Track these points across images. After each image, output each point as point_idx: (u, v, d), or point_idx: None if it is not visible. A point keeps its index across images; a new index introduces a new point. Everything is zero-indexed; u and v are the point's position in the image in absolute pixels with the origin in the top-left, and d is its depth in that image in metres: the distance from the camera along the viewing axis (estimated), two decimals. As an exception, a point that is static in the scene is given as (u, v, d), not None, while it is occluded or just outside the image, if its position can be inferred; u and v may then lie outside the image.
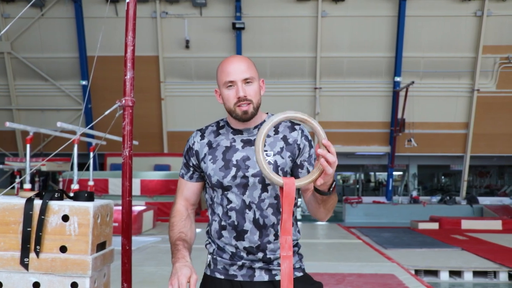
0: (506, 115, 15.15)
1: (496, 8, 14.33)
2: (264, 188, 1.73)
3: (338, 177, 26.11)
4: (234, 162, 1.75)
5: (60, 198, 1.75)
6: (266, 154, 1.74)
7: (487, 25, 14.42)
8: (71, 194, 1.80)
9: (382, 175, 23.96)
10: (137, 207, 9.89)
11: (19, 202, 1.71)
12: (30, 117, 15.47)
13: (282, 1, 14.34)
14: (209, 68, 14.15)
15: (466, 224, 11.82)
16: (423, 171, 20.60)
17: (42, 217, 1.68)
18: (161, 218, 11.54)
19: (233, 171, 1.74)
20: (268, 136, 1.78)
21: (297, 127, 1.81)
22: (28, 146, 7.46)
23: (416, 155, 16.28)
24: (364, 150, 16.02)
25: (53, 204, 1.70)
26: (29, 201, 1.70)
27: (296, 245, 1.83)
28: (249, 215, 1.73)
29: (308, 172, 1.76)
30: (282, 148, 1.76)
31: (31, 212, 1.68)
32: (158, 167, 14.84)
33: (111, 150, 13.73)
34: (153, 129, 15.39)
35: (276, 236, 1.75)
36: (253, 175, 1.72)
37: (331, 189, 1.59)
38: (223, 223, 1.77)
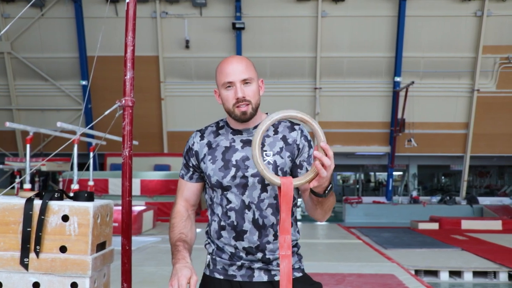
0: (506, 115, 15.15)
1: (496, 8, 14.33)
2: (264, 188, 1.73)
3: (338, 177, 26.11)
4: (234, 162, 1.75)
5: (60, 198, 1.75)
6: (266, 154, 1.74)
7: (487, 25, 14.42)
8: (71, 194, 1.80)
9: (382, 175, 23.96)
10: (137, 207, 9.90)
11: (19, 202, 1.71)
12: (30, 117, 15.47)
13: (282, 1, 14.34)
14: (209, 68, 14.15)
15: (466, 224, 11.82)
16: (423, 171, 20.60)
17: (42, 217, 1.68)
18: (161, 218, 11.54)
19: (232, 171, 1.74)
20: (268, 136, 1.78)
21: (296, 127, 1.81)
22: (28, 146, 7.46)
23: (416, 155, 16.28)
24: (364, 150, 16.02)
25: (53, 204, 1.70)
26: (29, 201, 1.70)
27: (296, 245, 1.83)
28: (249, 215, 1.73)
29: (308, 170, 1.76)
30: (281, 148, 1.76)
31: (31, 212, 1.68)
32: (158, 167, 14.84)
33: (111, 150, 13.74)
34: (153, 129, 15.39)
35: (276, 237, 1.75)
36: (253, 175, 1.72)
37: (326, 191, 1.58)
38: (222, 223, 1.77)
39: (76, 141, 7.58)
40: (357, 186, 23.46)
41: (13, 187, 10.35)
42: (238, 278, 1.75)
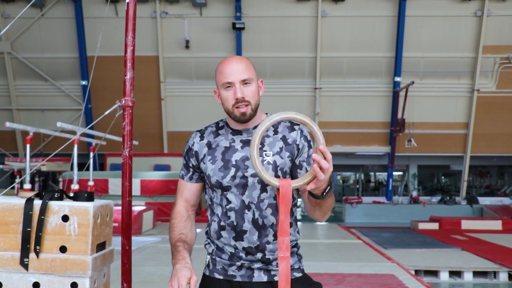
0: (506, 115, 15.15)
1: (496, 8, 14.33)
2: (263, 189, 1.73)
3: (338, 177, 26.10)
4: (233, 163, 1.75)
5: (60, 198, 1.75)
6: (265, 154, 1.74)
7: (487, 25, 14.42)
8: (71, 194, 1.80)
9: (382, 175, 23.96)
10: (137, 207, 9.90)
11: (19, 202, 1.71)
12: (30, 117, 15.47)
13: (282, 1, 14.35)
14: (209, 68, 14.15)
15: (466, 224, 11.82)
16: (423, 171, 20.60)
17: (42, 217, 1.68)
18: (161, 218, 11.55)
19: (232, 171, 1.74)
20: (268, 136, 1.78)
21: (296, 127, 1.81)
22: (28, 146, 7.46)
23: (416, 155, 16.28)
24: (364, 150, 16.02)
25: (53, 204, 1.70)
26: (29, 201, 1.70)
27: (296, 245, 1.83)
28: (248, 215, 1.73)
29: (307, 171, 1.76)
30: (281, 148, 1.76)
31: (31, 212, 1.68)
32: (158, 167, 14.85)
33: (111, 150, 13.74)
34: (153, 129, 15.40)
35: (275, 237, 1.75)
36: (252, 175, 1.72)
37: (325, 193, 1.58)
38: (222, 223, 1.77)
39: (76, 141, 7.58)
40: (357, 186, 23.46)
41: (13, 187, 10.35)
42: (238, 278, 1.75)
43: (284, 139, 1.77)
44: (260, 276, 1.75)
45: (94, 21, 14.20)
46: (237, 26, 13.97)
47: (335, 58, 14.86)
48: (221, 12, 14.50)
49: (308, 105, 15.22)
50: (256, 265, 1.75)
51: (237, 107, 1.73)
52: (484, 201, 15.95)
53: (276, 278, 1.74)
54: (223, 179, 1.75)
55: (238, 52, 14.35)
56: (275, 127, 1.81)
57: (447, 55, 14.81)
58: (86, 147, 11.95)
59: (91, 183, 9.22)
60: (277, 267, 1.74)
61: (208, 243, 1.85)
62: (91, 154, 10.11)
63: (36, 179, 12.73)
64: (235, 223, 1.74)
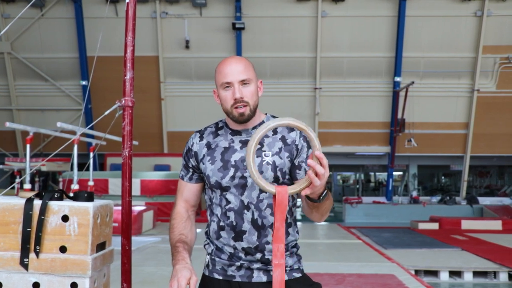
0: (506, 115, 15.15)
1: (496, 8, 14.33)
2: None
3: (338, 177, 26.11)
4: (233, 163, 1.75)
5: (60, 198, 1.75)
6: (265, 155, 1.74)
7: (487, 25, 14.42)
8: (71, 194, 1.80)
9: (382, 175, 23.95)
10: (137, 207, 9.90)
11: (19, 202, 1.71)
12: (30, 117, 15.47)
13: (282, 1, 14.35)
14: (209, 68, 14.15)
15: (466, 224, 11.82)
16: (423, 171, 20.60)
17: (42, 217, 1.68)
18: (161, 218, 11.55)
19: (231, 171, 1.74)
20: (267, 136, 1.78)
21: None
22: (28, 146, 7.46)
23: (416, 155, 16.28)
24: (364, 150, 16.02)
25: (53, 204, 1.70)
26: (29, 201, 1.70)
27: (295, 245, 1.83)
28: (248, 215, 1.73)
29: (306, 172, 1.76)
30: (280, 149, 1.76)
31: (31, 212, 1.68)
32: (158, 167, 14.85)
33: (111, 150, 13.74)
34: (153, 129, 15.40)
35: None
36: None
37: (321, 197, 1.58)
38: (221, 223, 1.77)
39: (76, 141, 7.58)
40: (357, 186, 23.46)
41: (13, 187, 10.35)
42: (237, 279, 1.76)
43: (283, 139, 1.77)
44: (259, 276, 1.75)
45: (94, 21, 14.20)
46: (237, 26, 13.97)
47: (335, 58, 14.87)
48: (221, 12, 14.50)
49: (308, 105, 15.22)
50: (256, 265, 1.75)
51: (235, 107, 1.73)
52: (484, 201, 15.95)
53: (276, 278, 1.74)
54: (222, 179, 1.75)
55: (238, 52, 14.35)
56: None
57: (447, 55, 14.81)
58: (86, 147, 11.95)
59: (91, 183, 9.22)
60: (276, 267, 1.74)
61: (208, 243, 1.85)
62: (91, 154, 10.11)
63: (36, 179, 12.73)
64: (234, 224, 1.74)
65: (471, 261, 7.51)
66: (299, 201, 1.76)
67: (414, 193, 16.41)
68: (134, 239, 6.75)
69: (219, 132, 1.84)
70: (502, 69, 14.95)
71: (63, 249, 1.69)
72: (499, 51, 14.81)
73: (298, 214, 13.65)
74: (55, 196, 1.73)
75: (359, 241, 9.25)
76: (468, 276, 6.98)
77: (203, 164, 1.81)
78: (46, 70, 15.18)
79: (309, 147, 1.79)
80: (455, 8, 14.38)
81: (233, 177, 1.74)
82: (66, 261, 1.68)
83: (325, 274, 5.96)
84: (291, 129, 1.80)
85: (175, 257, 1.70)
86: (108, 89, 14.04)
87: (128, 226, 2.12)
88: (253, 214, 1.73)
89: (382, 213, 15.05)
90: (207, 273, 1.83)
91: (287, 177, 1.76)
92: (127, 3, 2.20)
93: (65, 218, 1.70)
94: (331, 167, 21.69)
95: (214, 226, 1.80)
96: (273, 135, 1.78)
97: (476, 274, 7.07)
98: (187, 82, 15.24)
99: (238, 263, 1.75)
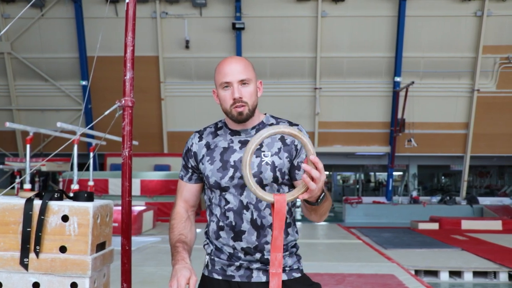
0: (506, 115, 15.15)
1: (496, 8, 14.33)
2: (262, 189, 1.73)
3: (338, 177, 26.11)
4: (232, 163, 1.75)
5: (60, 198, 1.75)
6: (264, 155, 1.74)
7: (487, 25, 14.42)
8: (71, 194, 1.80)
9: (382, 175, 23.95)
10: (137, 207, 9.90)
11: (19, 202, 1.71)
12: (30, 117, 15.47)
13: (282, 1, 14.35)
14: (209, 68, 14.16)
15: (466, 224, 11.82)
16: (423, 171, 20.60)
17: (42, 217, 1.68)
18: (161, 218, 11.55)
19: (230, 172, 1.74)
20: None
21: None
22: (28, 146, 7.46)
23: (416, 155, 16.28)
24: (364, 150, 16.02)
25: (53, 204, 1.70)
26: (29, 201, 1.70)
27: (294, 245, 1.83)
28: (247, 215, 1.73)
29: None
30: (279, 149, 1.76)
31: (30, 212, 1.69)
32: (158, 167, 14.85)
33: (111, 150, 13.74)
34: (153, 129, 15.40)
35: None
36: (251, 176, 1.72)
37: (319, 200, 1.58)
38: (221, 223, 1.77)
39: (76, 141, 7.58)
40: (357, 186, 23.46)
41: (13, 187, 10.35)
42: (237, 279, 1.76)
43: (282, 139, 1.78)
44: (259, 276, 1.75)
45: (94, 21, 14.20)
46: (237, 26, 13.97)
47: (335, 58, 14.87)
48: (221, 12, 14.50)
49: (308, 105, 15.22)
50: (255, 265, 1.75)
51: (235, 107, 1.73)
52: (484, 201, 15.95)
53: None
54: (222, 179, 1.75)
55: (238, 52, 14.35)
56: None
57: (447, 55, 14.81)
58: (86, 147, 11.96)
59: (91, 183, 9.22)
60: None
61: (207, 244, 1.85)
62: (91, 154, 10.12)
63: (36, 179, 12.74)
64: (233, 224, 1.74)
65: (471, 261, 7.51)
66: (298, 201, 1.77)
67: (414, 193, 16.41)
68: (134, 239, 6.76)
69: (219, 132, 1.85)
70: (502, 69, 14.95)
71: (63, 249, 1.69)
72: (499, 51, 14.81)
73: (298, 214, 13.62)
74: (55, 196, 1.74)
75: (359, 241, 9.25)
76: (468, 276, 6.98)
77: (203, 164, 1.81)
78: (46, 70, 15.18)
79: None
80: (455, 8, 14.39)
81: (232, 177, 1.74)
82: (66, 261, 1.68)
83: (325, 274, 5.96)
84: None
85: (174, 257, 1.70)
86: (108, 89, 14.04)
87: (128, 226, 2.12)
88: (252, 214, 1.73)
89: (382, 213, 15.05)
90: (206, 273, 1.83)
91: (286, 177, 1.76)
92: (127, 3, 2.20)
93: (65, 218, 1.70)
94: (331, 167, 21.72)
95: (213, 226, 1.80)
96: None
97: (476, 274, 7.07)
98: (187, 82, 15.25)
99: (237, 263, 1.75)
